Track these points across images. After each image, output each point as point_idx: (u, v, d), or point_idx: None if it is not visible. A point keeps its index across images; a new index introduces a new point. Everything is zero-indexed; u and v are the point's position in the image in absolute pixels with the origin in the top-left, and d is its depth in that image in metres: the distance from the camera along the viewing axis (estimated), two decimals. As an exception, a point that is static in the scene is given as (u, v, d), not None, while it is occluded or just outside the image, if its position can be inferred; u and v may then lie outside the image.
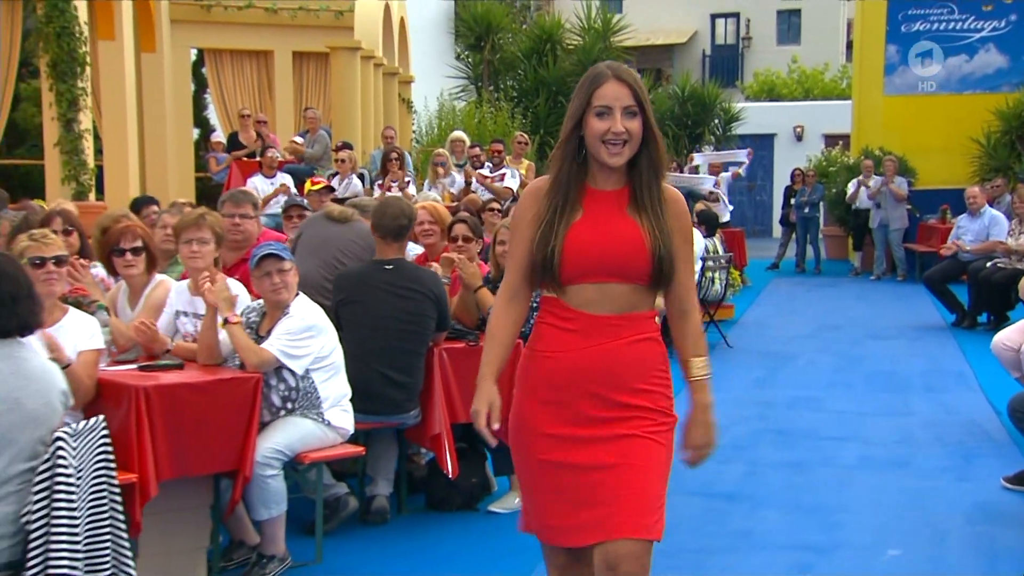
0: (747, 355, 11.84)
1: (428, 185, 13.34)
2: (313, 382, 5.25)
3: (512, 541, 5.38)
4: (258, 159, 14.99)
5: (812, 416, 8.74)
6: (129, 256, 5.67)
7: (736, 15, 35.76)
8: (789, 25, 35.83)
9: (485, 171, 13.49)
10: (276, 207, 11.93)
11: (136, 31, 16.10)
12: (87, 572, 3.89)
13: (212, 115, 21.49)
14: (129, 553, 4.10)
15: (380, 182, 13.06)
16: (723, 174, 19.37)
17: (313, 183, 10.99)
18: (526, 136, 15.99)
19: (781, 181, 24.17)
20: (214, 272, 5.56)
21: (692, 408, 3.49)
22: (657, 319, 3.49)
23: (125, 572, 4.05)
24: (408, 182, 13.01)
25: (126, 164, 15.13)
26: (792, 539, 5.83)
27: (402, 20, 20.70)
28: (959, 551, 5.72)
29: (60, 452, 3.75)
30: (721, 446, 3.90)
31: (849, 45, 34.03)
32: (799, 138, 26.72)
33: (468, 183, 13.34)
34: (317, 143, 15.57)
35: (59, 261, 4.90)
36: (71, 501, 3.83)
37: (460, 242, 6.66)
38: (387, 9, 19.66)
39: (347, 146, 14.07)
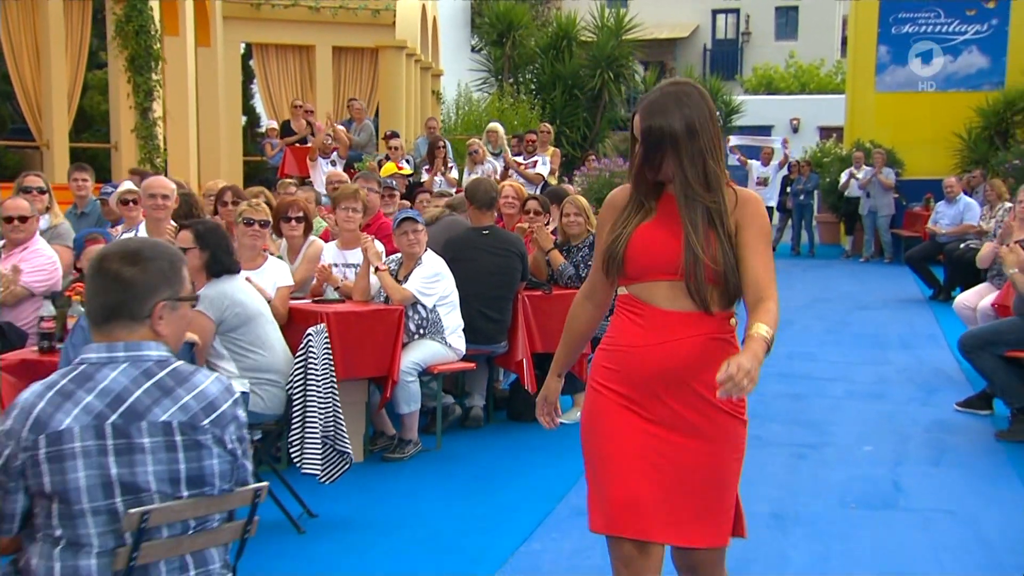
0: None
1: (467, 172, 14.40)
2: (438, 314, 6.97)
3: (575, 443, 7.07)
4: (309, 144, 16.57)
5: (808, 364, 10.28)
6: (294, 223, 7.44)
7: (736, 11, 36.30)
8: (787, 20, 36.32)
9: (520, 159, 14.74)
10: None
11: (194, 27, 17.18)
12: (323, 433, 5.62)
13: (258, 104, 22.53)
14: (344, 424, 5.76)
15: (428, 167, 14.34)
16: (773, 163, 20.27)
17: (399, 168, 12.75)
18: (549, 127, 16.80)
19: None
20: (361, 234, 7.36)
21: (745, 342, 3.26)
22: (733, 321, 3.48)
23: (342, 438, 5.72)
24: (451, 167, 14.37)
25: (187, 148, 16.52)
26: (791, 440, 7.47)
27: (434, 18, 21.73)
28: (917, 448, 7.45)
29: (311, 344, 5.51)
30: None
31: (844, 41, 34.34)
32: (795, 130, 27.23)
33: (506, 169, 14.41)
34: (363, 131, 17.00)
35: (263, 224, 6.66)
36: (317, 379, 5.58)
37: (532, 214, 8.38)
38: (423, 8, 20.67)
39: (395, 135, 15.43)
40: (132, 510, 2.71)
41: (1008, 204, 13.91)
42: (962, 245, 14.06)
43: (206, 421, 2.81)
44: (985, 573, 5.28)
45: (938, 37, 21.13)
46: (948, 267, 14.61)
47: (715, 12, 36.41)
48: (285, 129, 17.16)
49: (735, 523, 3.49)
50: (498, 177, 13.85)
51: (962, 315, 9.65)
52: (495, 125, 15.83)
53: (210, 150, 18.02)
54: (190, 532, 2.87)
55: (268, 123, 18.24)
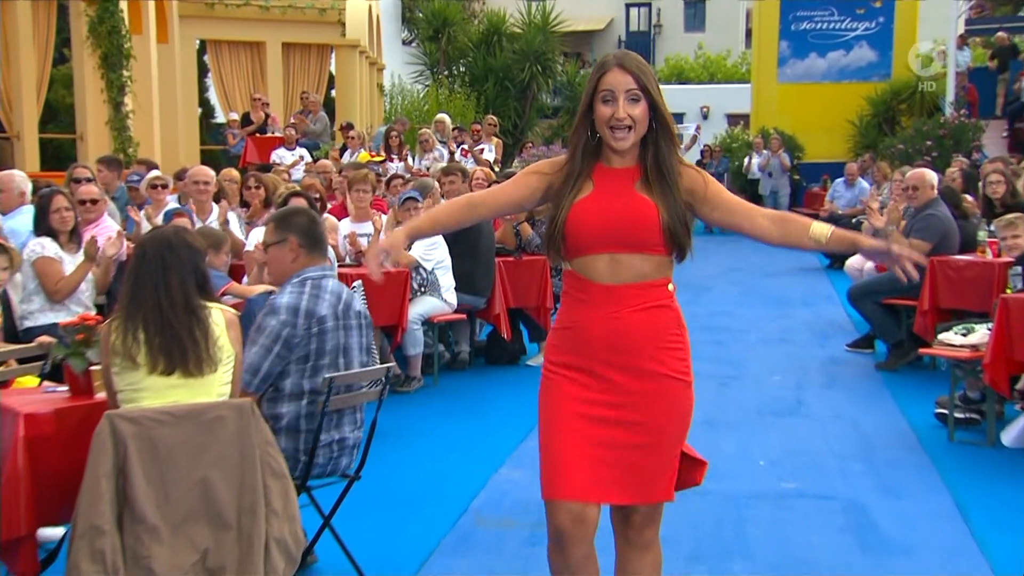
0: (694, 276, 13.46)
1: (418, 158, 15.58)
2: (436, 275, 8.46)
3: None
4: (269, 134, 17.87)
5: (726, 319, 11.87)
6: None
7: (648, 4, 37.24)
8: (695, 13, 37.37)
9: (466, 146, 16.01)
10: (297, 173, 14.41)
11: (155, 25, 18.10)
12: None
13: (212, 96, 23.54)
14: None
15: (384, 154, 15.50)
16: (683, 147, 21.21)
17: (372, 156, 14.13)
18: (495, 119, 18.14)
19: (690, 156, 25.73)
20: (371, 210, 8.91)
21: (864, 242, 3.46)
22: (671, 286, 3.46)
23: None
24: (407, 154, 15.58)
25: (152, 138, 17.44)
26: (717, 374, 9.04)
27: (377, 16, 22.80)
28: (813, 376, 9.17)
29: (358, 296, 7.01)
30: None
31: (748, 33, 35.41)
32: (705, 117, 28.37)
33: (452, 154, 15.43)
34: (319, 122, 18.18)
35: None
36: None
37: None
38: (370, 8, 21.79)
39: (351, 126, 16.86)
40: (335, 373, 4.50)
41: (896, 180, 15.63)
42: (853, 220, 15.18)
43: (366, 313, 4.70)
44: (861, 453, 6.96)
45: (832, 33, 22.53)
46: None
47: (628, 5, 37.29)
48: (245, 120, 18.37)
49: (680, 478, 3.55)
50: (445, 162, 15.08)
51: (852, 275, 11.18)
52: (443, 116, 17.12)
53: (169, 139, 18.78)
54: (362, 390, 4.62)
55: (230, 115, 19.29)
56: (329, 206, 9.90)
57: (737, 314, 12.56)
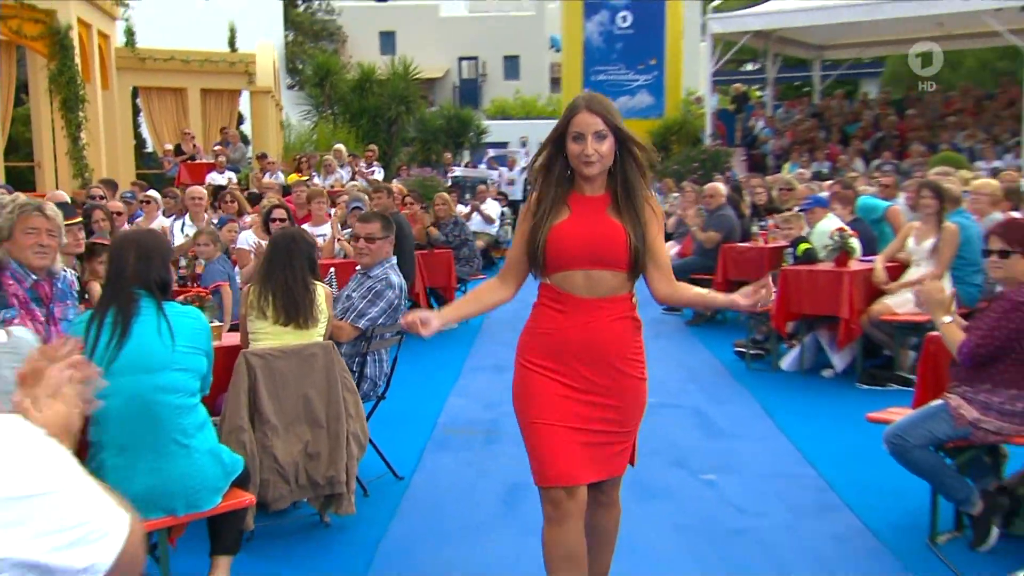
0: None
1: (323, 178, 15.89)
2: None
3: (463, 334, 9.60)
4: (200, 161, 18.09)
5: None
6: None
7: (475, 58, 37.42)
8: (512, 65, 37.72)
9: (362, 168, 16.61)
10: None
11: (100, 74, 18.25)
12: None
13: (144, 131, 23.29)
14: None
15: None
16: (516, 169, 21.52)
17: (299, 176, 14.56)
18: (375, 148, 18.63)
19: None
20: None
21: (720, 299, 3.52)
22: (634, 299, 3.28)
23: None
24: (312, 176, 16.11)
25: (100, 165, 17.44)
26: None
27: (275, 62, 22.76)
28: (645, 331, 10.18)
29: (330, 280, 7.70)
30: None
31: (553, 81, 37.38)
32: (523, 145, 27.90)
33: (354, 174, 16.11)
34: (237, 151, 18.38)
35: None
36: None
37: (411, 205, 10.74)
38: (274, 60, 21.97)
39: (266, 156, 17.23)
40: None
41: (675, 194, 16.77)
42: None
43: None
44: (691, 379, 7.94)
45: (621, 83, 23.41)
46: None
47: (460, 59, 37.44)
48: (178, 150, 18.40)
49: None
50: (344, 182, 15.68)
51: None
52: (339, 146, 17.45)
53: (112, 166, 18.56)
54: (386, 337, 5.37)
55: (165, 146, 19.12)
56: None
57: None
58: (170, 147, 18.76)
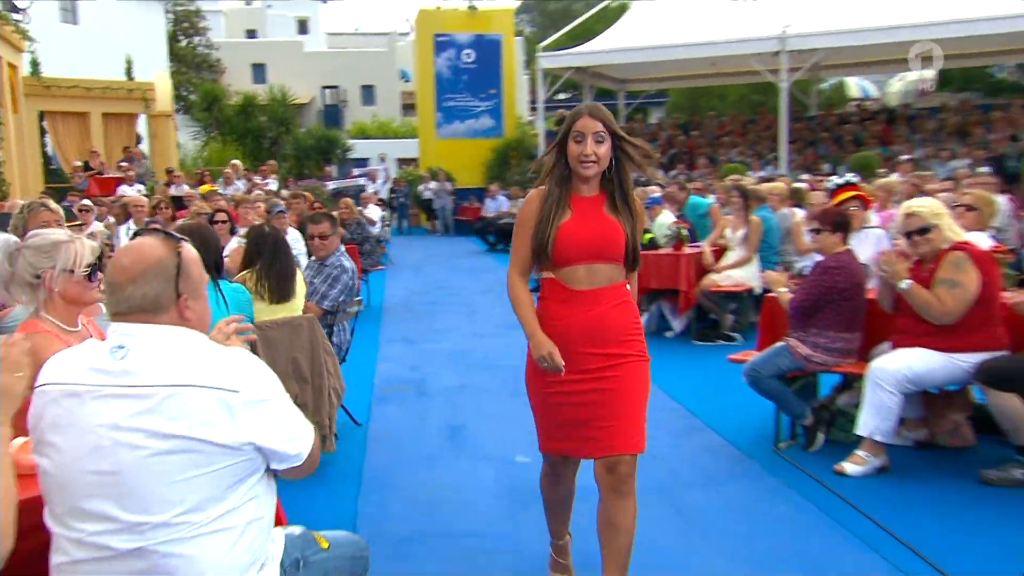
0: (402, 263, 14.87)
1: (224, 188, 15.49)
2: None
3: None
4: (108, 175, 17.31)
5: (448, 278, 13.16)
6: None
7: (337, 87, 36.82)
8: (369, 93, 37.35)
9: (258, 179, 16.40)
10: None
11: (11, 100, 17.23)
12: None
13: (50, 150, 21.94)
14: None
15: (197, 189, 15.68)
16: (379, 181, 21.31)
17: (212, 186, 14.14)
18: (274, 163, 18.25)
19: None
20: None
21: None
22: (628, 286, 3.10)
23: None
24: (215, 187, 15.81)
25: (14, 179, 16.51)
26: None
27: (171, 89, 21.85)
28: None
29: None
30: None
31: (403, 107, 37.59)
32: (383, 160, 27.41)
33: (252, 186, 15.44)
34: (142, 166, 17.88)
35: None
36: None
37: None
38: (169, 87, 21.13)
39: (172, 170, 16.75)
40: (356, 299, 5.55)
41: (521, 198, 17.27)
42: (500, 221, 17.05)
43: None
44: None
45: (468, 108, 23.39)
46: (495, 232, 17.16)
47: (323, 87, 36.77)
48: (86, 166, 17.69)
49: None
50: (243, 192, 15.36)
51: None
52: (236, 161, 17.14)
53: (24, 182, 17.59)
54: (347, 311, 5.55)
55: (75, 162, 18.18)
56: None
57: (454, 283, 12.64)
58: (79, 163, 17.90)
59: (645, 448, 3.07)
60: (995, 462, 4.54)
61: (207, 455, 1.95)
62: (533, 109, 26.25)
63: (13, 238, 3.00)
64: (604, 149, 2.97)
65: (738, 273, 8.01)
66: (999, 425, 4.50)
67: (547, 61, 21.76)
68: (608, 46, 21.74)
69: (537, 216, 3.02)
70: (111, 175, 17.28)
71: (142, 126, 21.36)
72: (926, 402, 5.03)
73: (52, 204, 4.48)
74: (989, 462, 4.58)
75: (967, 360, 4.45)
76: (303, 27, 41.66)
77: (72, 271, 2.88)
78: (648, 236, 8.56)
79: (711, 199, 10.11)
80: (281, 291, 4.89)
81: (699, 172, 19.50)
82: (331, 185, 20.61)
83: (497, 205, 18.18)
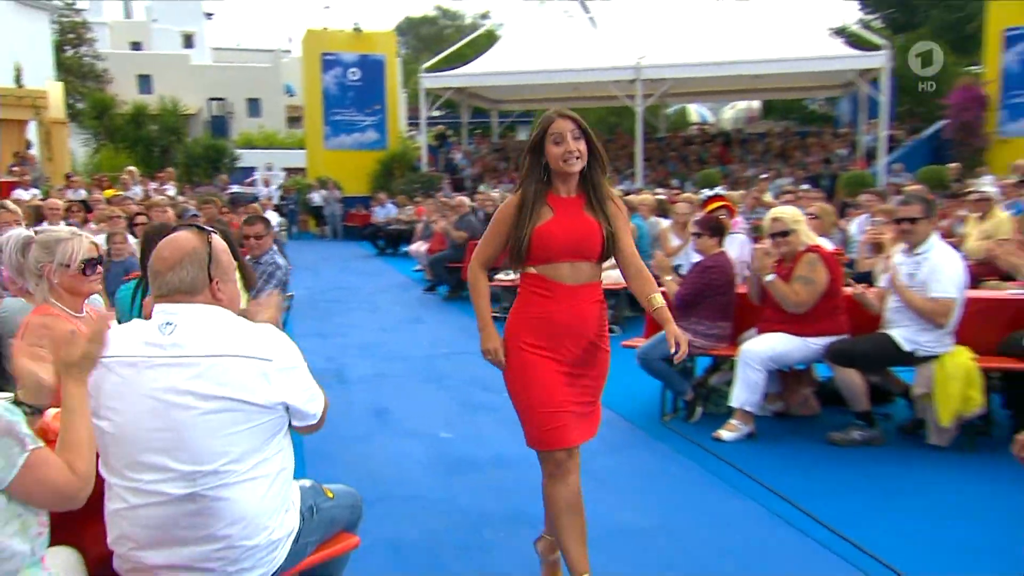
0: (299, 265, 13.79)
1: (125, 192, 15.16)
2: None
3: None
4: (2, 180, 16.19)
5: (347, 279, 13.08)
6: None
7: (223, 99, 35.69)
8: (254, 105, 36.43)
9: (155, 185, 15.81)
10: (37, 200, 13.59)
11: None
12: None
13: None
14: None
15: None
16: (272, 187, 20.63)
17: (116, 192, 13.45)
18: (172, 171, 17.45)
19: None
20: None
21: (667, 324, 3.00)
22: (602, 285, 3.02)
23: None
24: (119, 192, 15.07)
25: None
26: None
27: (63, 97, 20.57)
28: (417, 308, 10.56)
29: None
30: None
31: (289, 119, 36.40)
32: (270, 168, 27.71)
33: (146, 192, 14.95)
34: (36, 171, 16.86)
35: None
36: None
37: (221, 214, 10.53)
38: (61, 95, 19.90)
39: (72, 175, 15.92)
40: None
41: (409, 207, 17.37)
42: (389, 227, 16.96)
43: None
44: (463, 338, 8.51)
45: (354, 121, 23.12)
46: (385, 237, 17.06)
47: (210, 99, 35.50)
48: (-19, 170, 16.62)
49: None
50: (140, 197, 14.74)
51: (417, 255, 12.38)
52: (132, 168, 16.38)
53: None
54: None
55: None
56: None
57: (351, 285, 12.48)
58: (-25, 166, 16.76)
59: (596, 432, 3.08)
60: (837, 427, 5.09)
61: (247, 413, 2.14)
62: (410, 124, 26.35)
63: (27, 232, 3.02)
64: (583, 145, 2.88)
65: (615, 273, 8.40)
66: (842, 396, 5.05)
67: (429, 81, 21.91)
68: (485, 69, 22.11)
69: (516, 216, 2.91)
70: (4, 179, 16.21)
71: (31, 133, 19.99)
72: (781, 379, 5.56)
73: (10, 205, 4.36)
74: (833, 427, 5.13)
75: (818, 343, 4.98)
76: (188, 41, 39.97)
77: (68, 265, 2.94)
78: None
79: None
80: (247, 284, 4.93)
81: (566, 185, 20.05)
82: (229, 190, 19.99)
83: (386, 212, 18.14)
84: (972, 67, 23.08)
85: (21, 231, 3.10)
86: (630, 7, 22.52)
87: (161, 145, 21.83)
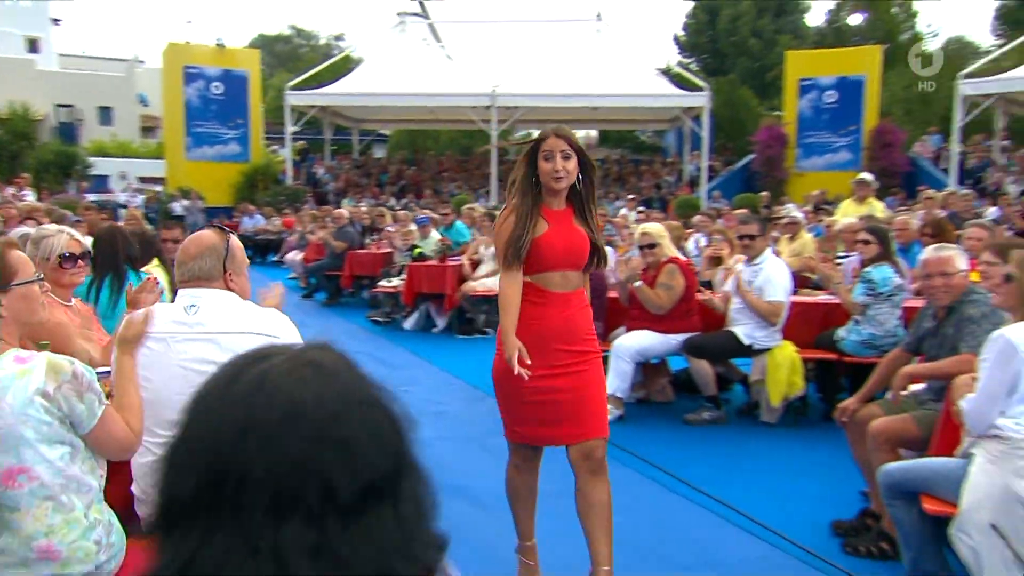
0: None
1: None
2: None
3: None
4: None
5: None
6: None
7: (71, 105, 33.23)
8: (105, 114, 34.41)
9: (11, 191, 14.77)
10: None
11: None
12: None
13: None
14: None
15: None
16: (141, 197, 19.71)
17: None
18: (28, 176, 16.51)
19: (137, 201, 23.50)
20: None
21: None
22: (586, 291, 3.05)
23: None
24: None
25: None
26: None
27: None
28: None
29: None
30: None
31: (142, 129, 34.40)
32: (124, 177, 25.21)
33: (4, 199, 13.88)
34: None
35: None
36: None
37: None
38: None
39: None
40: None
41: (276, 218, 17.02)
42: (258, 237, 16.51)
43: None
44: (346, 342, 8.70)
45: (217, 134, 22.08)
46: (253, 247, 15.83)
47: (57, 105, 32.73)
48: None
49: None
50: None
51: (293, 264, 12.34)
52: None
53: None
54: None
55: None
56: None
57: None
58: None
59: (608, 432, 3.00)
60: (689, 410, 5.77)
61: None
62: (269, 139, 25.78)
63: (27, 229, 3.10)
64: (572, 164, 2.88)
65: (490, 281, 8.90)
66: (692, 385, 5.75)
67: (294, 98, 21.65)
68: (348, 90, 22.11)
69: (513, 227, 2.89)
70: None
71: None
72: (642, 371, 6.21)
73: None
74: (685, 410, 5.81)
75: (676, 339, 5.65)
76: (33, 46, 36.94)
77: (48, 259, 3.07)
78: (418, 251, 9.23)
79: (458, 223, 10.97)
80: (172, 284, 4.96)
81: (426, 201, 20.46)
82: (90, 198, 18.80)
83: (254, 222, 17.73)
84: (774, 111, 25.57)
85: (20, 228, 3.18)
86: (483, 38, 23.28)
87: (11, 150, 20.14)
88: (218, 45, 22.72)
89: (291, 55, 48.15)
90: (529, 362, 2.76)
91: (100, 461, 2.16)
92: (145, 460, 2.41)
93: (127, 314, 2.62)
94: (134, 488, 2.50)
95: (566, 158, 2.85)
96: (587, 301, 3.04)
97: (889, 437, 3.57)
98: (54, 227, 3.17)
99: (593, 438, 2.94)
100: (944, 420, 3.32)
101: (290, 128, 21.60)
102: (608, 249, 7.60)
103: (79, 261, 3.20)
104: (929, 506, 2.94)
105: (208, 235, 2.55)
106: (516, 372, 2.73)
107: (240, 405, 0.79)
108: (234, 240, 2.58)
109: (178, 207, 20.58)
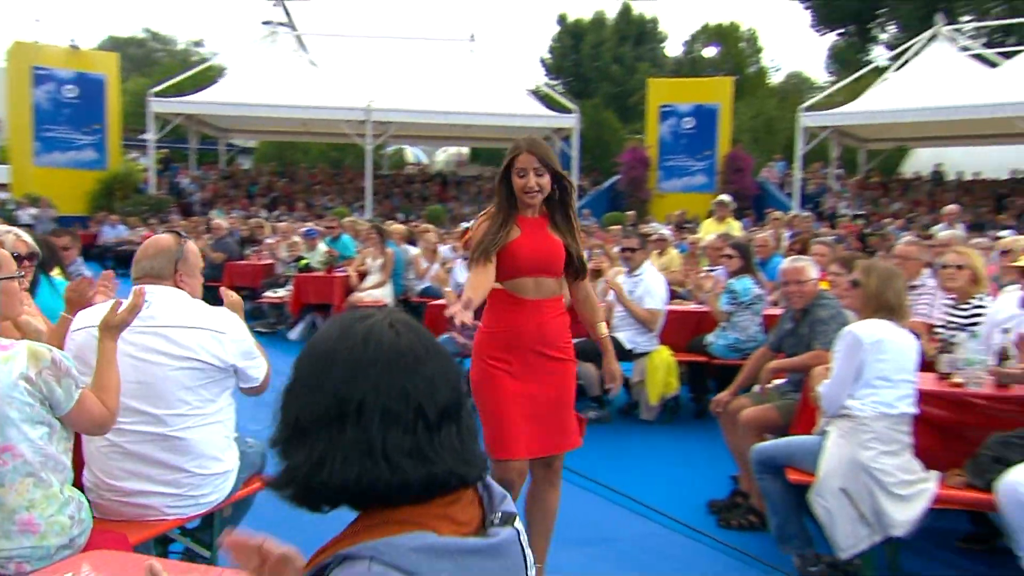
0: None
1: None
2: None
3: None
4: None
5: None
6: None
7: None
8: None
9: None
10: None
11: None
12: None
13: None
14: None
15: None
16: None
17: None
18: None
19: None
20: None
21: (606, 355, 3.11)
22: (565, 299, 3.03)
23: None
24: None
25: None
26: None
27: None
28: None
29: None
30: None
31: None
32: None
33: None
34: None
35: None
36: None
37: None
38: None
39: None
40: None
41: (140, 228, 16.20)
42: (119, 247, 15.36)
43: None
44: None
45: (70, 139, 20.83)
46: (115, 258, 14.80)
47: None
48: None
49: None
50: None
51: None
52: None
53: None
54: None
55: None
56: None
57: None
58: None
59: (581, 442, 3.06)
60: (578, 409, 6.20)
61: (207, 371, 2.68)
62: (126, 146, 24.63)
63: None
64: (545, 180, 2.89)
65: (377, 292, 9.09)
66: (581, 385, 6.19)
67: (158, 106, 20.85)
68: (214, 99, 21.53)
69: (485, 231, 2.90)
70: None
71: None
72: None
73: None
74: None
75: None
76: None
77: None
78: (303, 262, 9.27)
79: (344, 237, 11.06)
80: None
81: (299, 213, 20.22)
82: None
83: (117, 232, 16.88)
84: (636, 134, 27.06)
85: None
86: (356, 53, 23.36)
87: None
88: (72, 47, 21.55)
89: (145, 59, 45.89)
90: (473, 319, 2.43)
91: (70, 442, 2.30)
92: (100, 444, 2.59)
93: (64, 315, 2.73)
94: (85, 476, 2.65)
95: (539, 175, 2.87)
96: (564, 309, 3.03)
97: (757, 424, 4.13)
98: (3, 228, 3.22)
99: (564, 451, 3.03)
100: (803, 405, 3.90)
101: (152, 136, 20.75)
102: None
103: (25, 261, 3.27)
104: (793, 476, 3.46)
105: (166, 239, 2.80)
106: (458, 322, 2.35)
107: (357, 349, 1.09)
108: (189, 245, 2.84)
109: (25, 215, 19.25)
